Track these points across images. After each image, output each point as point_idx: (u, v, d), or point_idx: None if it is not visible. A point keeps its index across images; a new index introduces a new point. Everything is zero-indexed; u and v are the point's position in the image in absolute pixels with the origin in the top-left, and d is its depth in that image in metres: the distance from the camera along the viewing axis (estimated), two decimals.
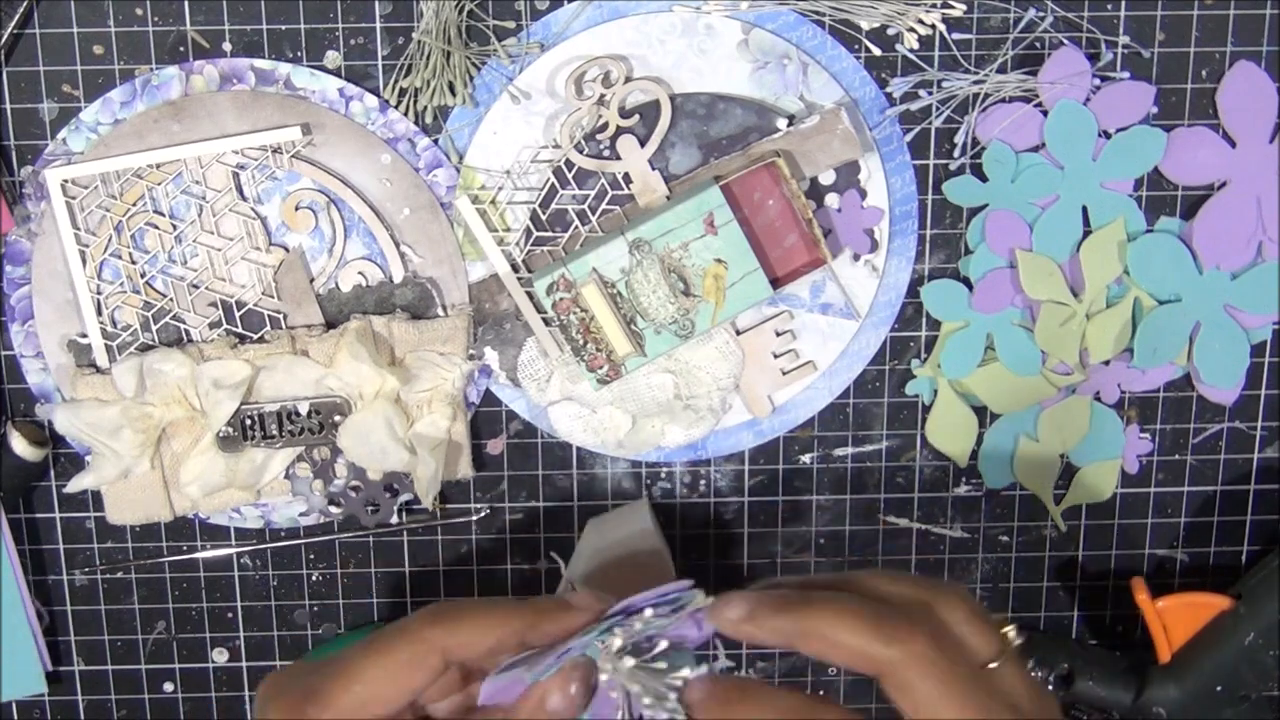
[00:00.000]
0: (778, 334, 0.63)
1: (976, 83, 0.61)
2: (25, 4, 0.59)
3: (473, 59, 0.60)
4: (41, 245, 0.61)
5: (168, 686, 0.68)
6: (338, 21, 0.60)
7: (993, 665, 0.46)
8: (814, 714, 0.44)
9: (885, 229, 0.62)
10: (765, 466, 0.66)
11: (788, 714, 0.44)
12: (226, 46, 0.60)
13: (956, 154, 0.62)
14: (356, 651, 0.48)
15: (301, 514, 0.65)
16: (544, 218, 0.62)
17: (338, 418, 0.61)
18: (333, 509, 0.64)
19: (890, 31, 0.61)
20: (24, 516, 0.65)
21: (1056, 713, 0.47)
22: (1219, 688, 0.63)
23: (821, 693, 0.67)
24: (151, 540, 0.66)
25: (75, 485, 0.62)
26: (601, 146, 0.61)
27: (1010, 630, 0.47)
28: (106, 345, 0.61)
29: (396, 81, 0.60)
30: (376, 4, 0.60)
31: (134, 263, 0.61)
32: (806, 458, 0.66)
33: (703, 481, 0.66)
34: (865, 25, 0.61)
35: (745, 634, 0.46)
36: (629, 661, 0.45)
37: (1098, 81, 0.61)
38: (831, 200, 0.62)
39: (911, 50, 0.61)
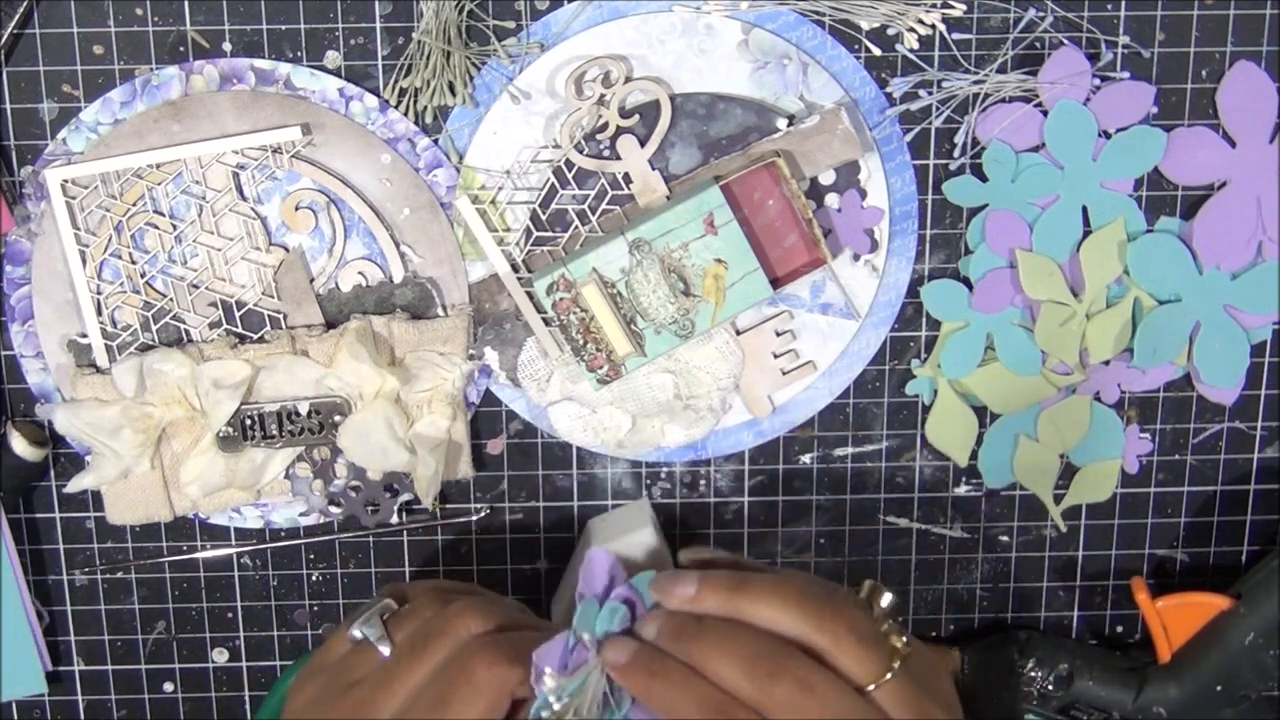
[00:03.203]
0: (778, 334, 0.63)
1: (976, 83, 0.61)
2: (25, 4, 0.59)
3: (473, 59, 0.60)
4: (41, 245, 0.61)
5: (168, 686, 0.68)
6: (338, 21, 0.60)
7: (871, 688, 0.46)
8: (782, 661, 0.45)
9: (885, 229, 0.62)
10: (765, 466, 0.66)
11: (752, 658, 0.45)
12: (226, 46, 0.60)
13: (956, 154, 0.62)
14: (434, 716, 0.49)
15: (301, 514, 0.65)
16: (544, 218, 0.62)
17: (338, 418, 0.61)
18: (333, 509, 0.64)
19: (890, 31, 0.61)
20: (24, 516, 0.65)
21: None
22: (1219, 688, 0.63)
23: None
24: (151, 540, 0.66)
25: (75, 485, 0.62)
26: (601, 146, 0.61)
27: (897, 641, 0.47)
28: (106, 345, 0.61)
29: (396, 81, 0.60)
30: (376, 4, 0.60)
31: (134, 263, 0.61)
32: (806, 458, 0.66)
33: (703, 481, 0.66)
34: (865, 25, 0.61)
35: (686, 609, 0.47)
36: None
37: (1098, 81, 0.61)
38: (831, 200, 0.62)
39: (911, 50, 0.61)
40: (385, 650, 0.52)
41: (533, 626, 0.53)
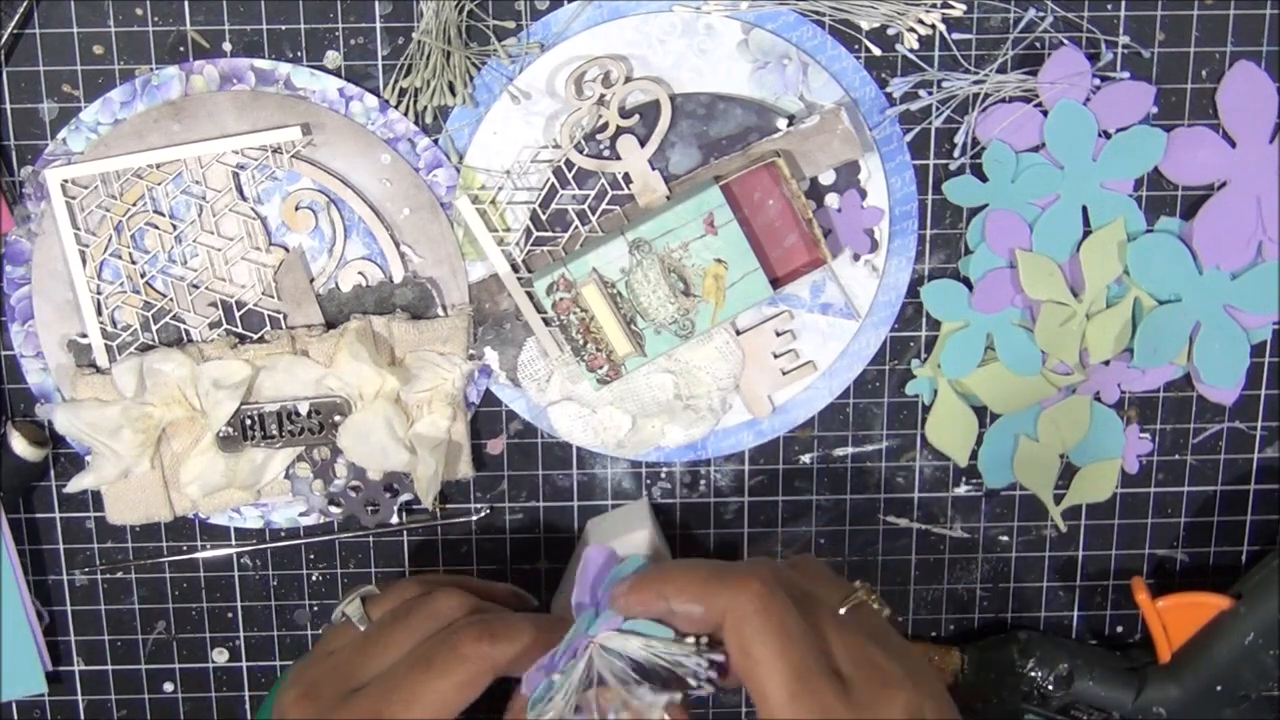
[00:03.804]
0: (778, 334, 0.63)
1: (976, 83, 0.61)
2: (25, 4, 0.59)
3: (473, 59, 0.60)
4: (41, 245, 0.61)
5: (168, 686, 0.68)
6: (338, 21, 0.60)
7: (842, 611, 0.50)
8: (719, 585, 0.48)
9: (885, 229, 0.62)
10: (765, 466, 0.66)
11: (696, 585, 0.49)
12: (226, 46, 0.60)
13: (956, 154, 0.62)
14: (414, 674, 0.51)
15: (301, 514, 0.65)
16: (544, 218, 0.62)
17: (338, 418, 0.61)
18: (333, 509, 0.64)
19: (890, 31, 0.61)
20: (24, 516, 0.65)
21: (898, 640, 0.50)
22: (1219, 688, 0.63)
23: None
24: (151, 540, 0.66)
25: (75, 485, 0.62)
26: (601, 146, 0.61)
27: (858, 584, 0.52)
28: (106, 345, 0.61)
29: (396, 81, 0.60)
30: (376, 4, 0.60)
31: (134, 263, 0.61)
32: (806, 458, 0.66)
33: (703, 481, 0.66)
34: (865, 25, 0.61)
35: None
36: (635, 641, 0.49)
37: (1098, 81, 0.61)
38: (831, 200, 0.62)
39: (911, 50, 0.61)
40: (364, 629, 0.56)
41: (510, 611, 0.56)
